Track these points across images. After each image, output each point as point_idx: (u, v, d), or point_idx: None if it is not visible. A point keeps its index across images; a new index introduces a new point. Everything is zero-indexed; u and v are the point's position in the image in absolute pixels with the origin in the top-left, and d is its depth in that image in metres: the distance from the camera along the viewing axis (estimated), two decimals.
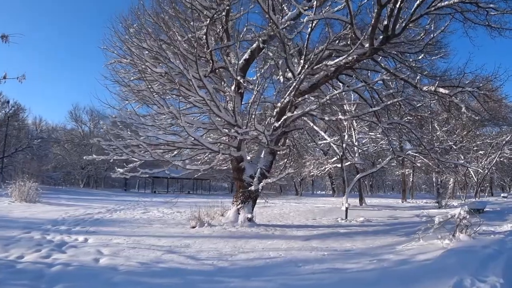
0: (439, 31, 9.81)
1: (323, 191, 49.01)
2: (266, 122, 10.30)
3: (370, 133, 20.71)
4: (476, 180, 26.84)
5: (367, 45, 9.14)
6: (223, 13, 9.29)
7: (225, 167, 13.28)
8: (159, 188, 40.99)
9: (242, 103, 11.01)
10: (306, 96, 9.95)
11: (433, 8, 8.82)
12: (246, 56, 10.75)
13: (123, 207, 15.38)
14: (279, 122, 9.03)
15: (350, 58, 9.36)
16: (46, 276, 4.33)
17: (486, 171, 26.70)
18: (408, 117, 12.62)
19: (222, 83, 10.66)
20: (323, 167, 25.93)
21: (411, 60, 10.50)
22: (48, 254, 5.54)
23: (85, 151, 34.04)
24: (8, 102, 31.09)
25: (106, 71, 10.94)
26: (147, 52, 9.68)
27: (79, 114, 42.98)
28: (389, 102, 10.35)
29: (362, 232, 9.29)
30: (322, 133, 16.57)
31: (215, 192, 41.53)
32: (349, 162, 18.55)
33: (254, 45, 10.59)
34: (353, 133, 19.39)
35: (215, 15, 8.81)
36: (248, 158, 10.89)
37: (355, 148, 19.22)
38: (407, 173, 28.76)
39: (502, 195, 29.84)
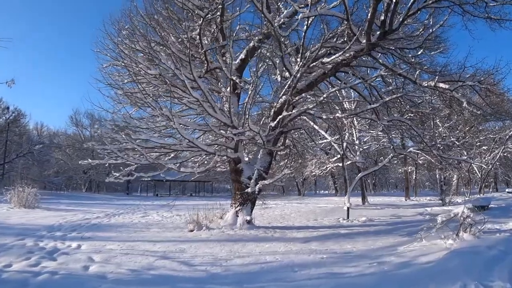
0: (438, 25, 9.60)
1: (326, 191, 48.66)
2: (261, 122, 10.11)
3: (371, 131, 20.46)
4: (480, 176, 26.46)
5: (364, 41, 8.95)
6: (218, 13, 9.12)
7: (224, 169, 13.10)
8: (161, 191, 40.96)
9: (239, 103, 10.84)
10: (303, 94, 9.76)
11: (430, 2, 8.61)
12: (242, 56, 10.56)
13: (123, 211, 15.22)
14: (275, 122, 8.83)
15: (347, 54, 9.17)
16: (30, 286, 4.18)
17: (490, 167, 26.31)
18: (409, 114, 12.40)
19: (219, 84, 10.50)
20: (325, 167, 25.71)
21: (410, 56, 10.28)
22: (37, 262, 5.39)
23: (86, 156, 33.92)
24: (8, 108, 31.13)
25: (99, 74, 10.81)
26: (141, 54, 9.54)
27: (80, 118, 43.01)
28: (387, 99, 10.14)
29: (364, 232, 9.07)
30: (323, 132, 16.38)
31: (217, 194, 41.33)
32: (350, 161, 18.32)
33: (251, 45, 10.42)
34: (354, 132, 19.15)
35: (208, 15, 8.63)
36: (247, 159, 10.71)
37: (356, 147, 18.98)
38: (409, 170, 28.41)
39: (507, 190, 29.34)
